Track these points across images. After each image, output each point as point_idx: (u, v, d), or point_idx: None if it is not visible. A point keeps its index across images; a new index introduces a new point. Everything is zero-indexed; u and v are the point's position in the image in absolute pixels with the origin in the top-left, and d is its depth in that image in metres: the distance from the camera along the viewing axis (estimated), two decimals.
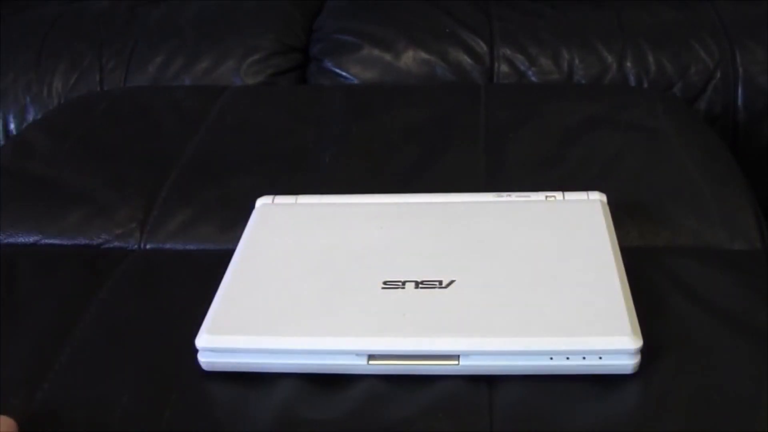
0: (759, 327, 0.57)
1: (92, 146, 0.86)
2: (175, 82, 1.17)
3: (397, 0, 1.26)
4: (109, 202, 0.76)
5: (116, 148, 0.85)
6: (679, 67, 1.14)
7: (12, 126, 1.22)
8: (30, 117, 1.21)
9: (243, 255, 0.62)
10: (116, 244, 0.73)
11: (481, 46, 1.17)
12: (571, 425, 0.50)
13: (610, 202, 0.66)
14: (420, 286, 0.57)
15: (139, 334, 0.60)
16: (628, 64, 1.14)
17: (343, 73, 1.17)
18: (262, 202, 0.69)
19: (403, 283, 0.57)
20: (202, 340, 0.55)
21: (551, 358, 0.52)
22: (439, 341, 0.53)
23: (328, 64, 1.19)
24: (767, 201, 0.87)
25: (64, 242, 0.73)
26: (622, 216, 0.67)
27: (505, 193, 0.67)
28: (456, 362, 0.53)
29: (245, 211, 0.68)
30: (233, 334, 0.55)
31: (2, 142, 1.19)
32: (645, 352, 0.53)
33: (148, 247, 0.72)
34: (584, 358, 0.52)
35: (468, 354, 0.53)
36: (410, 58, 1.17)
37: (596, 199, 0.66)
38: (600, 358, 0.52)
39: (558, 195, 0.66)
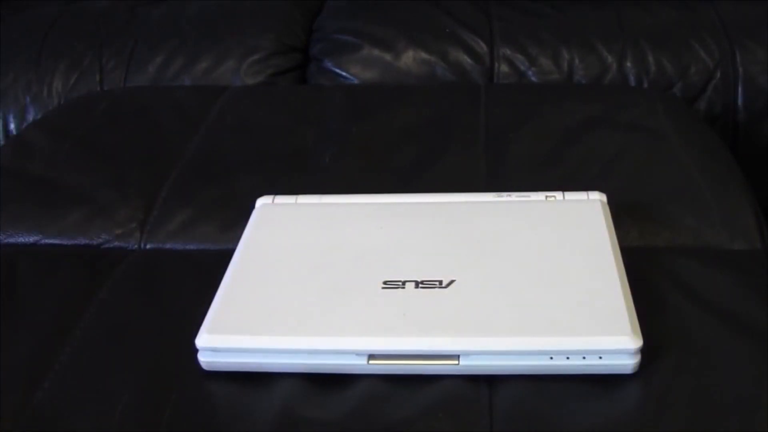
0: (759, 327, 0.57)
1: (92, 146, 0.86)
2: (175, 82, 1.17)
3: (397, 0, 1.26)
4: (109, 202, 0.76)
5: (116, 148, 0.85)
6: (679, 67, 1.14)
7: (12, 126, 1.22)
8: (30, 117, 1.21)
9: (243, 255, 0.62)
10: (116, 244, 0.73)
11: (481, 46, 1.17)
12: (571, 425, 0.50)
13: (610, 202, 0.66)
14: (420, 285, 0.57)
15: (139, 334, 0.60)
16: (628, 64, 1.14)
17: (343, 73, 1.17)
18: (262, 202, 0.69)
19: (403, 282, 0.57)
20: (202, 340, 0.55)
21: (551, 358, 0.52)
22: (439, 341, 0.53)
23: (328, 64, 1.19)
24: (767, 201, 0.87)
25: (64, 242, 0.73)
26: (622, 216, 0.67)
27: (505, 193, 0.67)
28: (456, 362, 0.53)
29: (245, 211, 0.68)
30: (233, 333, 0.55)
31: (2, 142, 1.19)
32: (645, 351, 0.53)
33: (148, 247, 0.72)
34: (584, 357, 0.52)
35: (468, 354, 0.53)
36: (410, 58, 1.17)
37: (596, 199, 0.66)
38: (600, 357, 0.52)
39: (558, 195, 0.66)
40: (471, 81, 1.15)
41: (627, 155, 0.79)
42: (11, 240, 0.74)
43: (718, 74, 1.14)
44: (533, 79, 1.15)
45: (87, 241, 0.73)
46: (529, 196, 0.67)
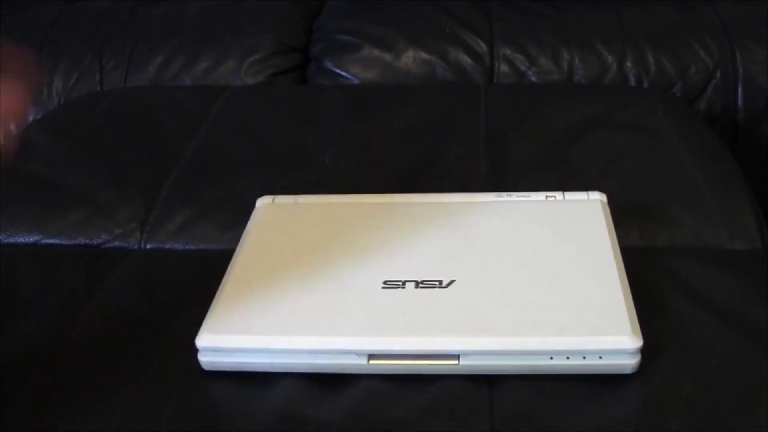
0: (759, 327, 0.57)
1: (92, 146, 0.86)
2: (175, 82, 1.17)
3: (397, 0, 1.26)
4: (109, 202, 0.76)
5: (116, 148, 0.85)
6: (679, 67, 1.14)
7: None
8: (30, 117, 1.21)
9: (243, 255, 0.62)
10: (116, 244, 0.73)
11: (481, 46, 1.17)
12: (570, 425, 0.50)
13: (610, 202, 0.66)
14: (420, 285, 0.57)
15: (139, 333, 0.60)
16: (628, 64, 1.14)
17: (343, 73, 1.17)
18: (262, 202, 0.69)
19: (404, 282, 0.57)
20: (202, 340, 0.55)
21: (551, 358, 0.52)
22: (439, 341, 0.53)
23: (328, 64, 1.19)
24: (767, 201, 0.87)
25: (64, 242, 0.73)
26: (622, 216, 0.67)
27: (505, 193, 0.67)
28: (456, 362, 0.53)
29: (245, 211, 0.68)
30: (233, 333, 0.55)
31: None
32: (645, 351, 0.53)
33: (148, 247, 0.72)
34: (584, 357, 0.52)
35: (468, 353, 0.53)
36: (410, 58, 1.17)
37: (596, 199, 0.66)
38: (600, 357, 0.52)
39: (558, 195, 0.66)
40: (471, 81, 1.15)
41: (627, 155, 0.79)
42: (11, 240, 0.74)
43: (718, 74, 1.14)
44: (533, 79, 1.15)
45: (87, 241, 0.73)
46: (529, 196, 0.67)
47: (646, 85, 1.13)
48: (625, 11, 1.21)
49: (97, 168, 0.81)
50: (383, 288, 0.57)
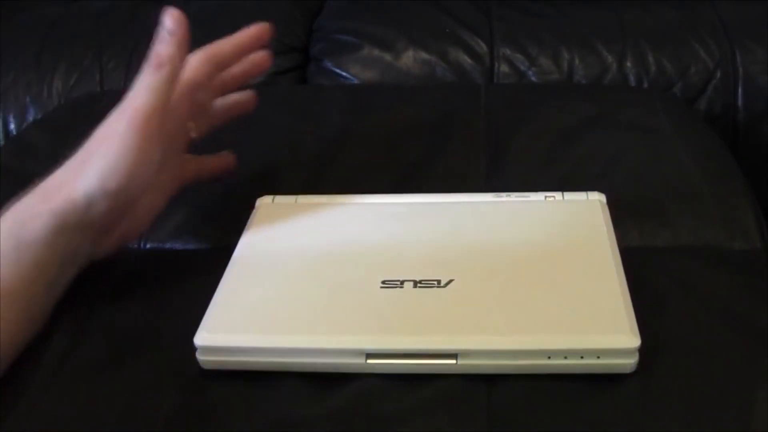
0: (759, 327, 0.57)
1: None
2: None
3: (397, 0, 1.27)
4: None
5: None
6: (679, 67, 1.14)
7: (12, 126, 1.22)
8: (30, 117, 1.21)
9: (242, 254, 0.62)
10: None
11: (481, 46, 1.17)
12: (569, 425, 0.50)
13: (609, 202, 0.66)
14: (418, 285, 0.57)
15: (138, 333, 0.60)
16: (628, 64, 1.14)
17: (343, 73, 1.17)
18: (262, 201, 0.69)
19: (402, 282, 0.57)
20: (200, 339, 0.55)
21: (549, 358, 0.52)
22: (438, 340, 0.53)
23: (328, 64, 1.19)
24: (767, 201, 0.87)
25: None
26: (622, 216, 0.67)
27: (504, 193, 0.67)
28: (454, 361, 0.53)
29: (245, 211, 0.68)
30: (232, 332, 0.55)
31: (2, 142, 1.19)
32: (644, 351, 0.53)
33: (148, 246, 0.72)
34: (582, 357, 0.52)
35: (466, 353, 0.53)
36: (410, 58, 1.17)
37: (596, 199, 0.66)
38: (598, 357, 0.52)
39: (557, 195, 0.66)
40: (471, 81, 1.15)
41: (627, 155, 0.79)
42: None
43: (718, 74, 1.14)
44: (533, 79, 1.15)
45: None
46: (528, 197, 0.67)
47: (646, 85, 1.13)
48: (625, 11, 1.21)
49: None
50: (382, 287, 0.57)
